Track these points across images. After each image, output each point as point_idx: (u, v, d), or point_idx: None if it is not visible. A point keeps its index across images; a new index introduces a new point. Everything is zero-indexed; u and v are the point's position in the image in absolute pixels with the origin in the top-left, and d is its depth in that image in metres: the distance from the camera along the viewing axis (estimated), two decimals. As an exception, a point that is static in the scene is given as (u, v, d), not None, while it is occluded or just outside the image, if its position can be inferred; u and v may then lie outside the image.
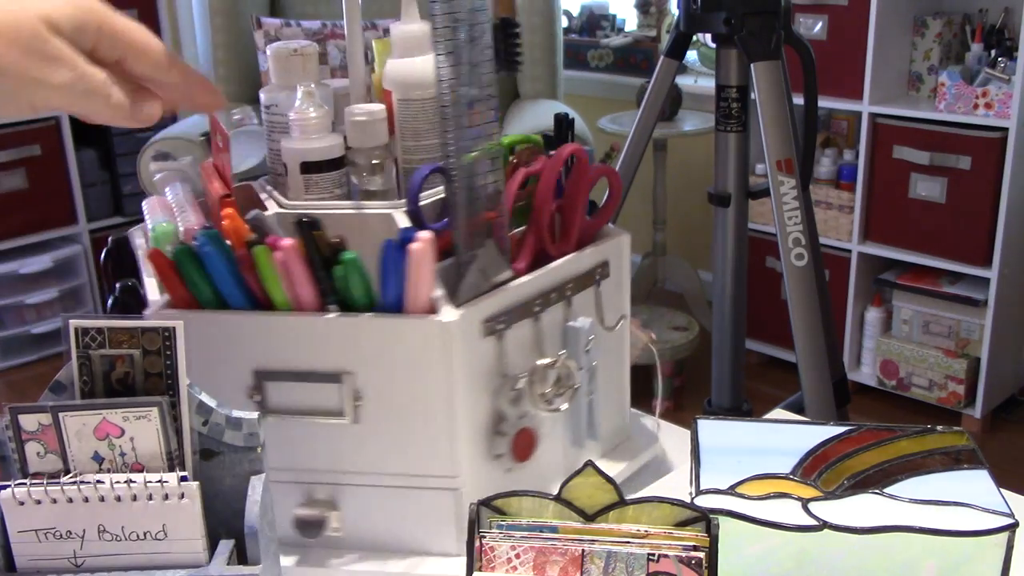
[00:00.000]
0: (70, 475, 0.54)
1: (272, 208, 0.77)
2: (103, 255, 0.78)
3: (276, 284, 0.67)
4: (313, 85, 0.78)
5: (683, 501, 0.56)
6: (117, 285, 0.73)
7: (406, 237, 0.66)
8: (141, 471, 0.55)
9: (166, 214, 0.77)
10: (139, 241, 0.80)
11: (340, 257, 0.66)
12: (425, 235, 0.65)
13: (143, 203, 0.80)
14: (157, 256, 0.66)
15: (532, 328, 0.74)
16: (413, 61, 0.78)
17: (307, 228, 0.65)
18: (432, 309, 0.68)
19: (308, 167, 0.76)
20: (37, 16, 0.49)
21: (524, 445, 0.74)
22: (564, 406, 0.75)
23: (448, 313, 0.67)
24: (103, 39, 0.53)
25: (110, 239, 0.78)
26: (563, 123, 0.85)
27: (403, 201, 0.76)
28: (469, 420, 0.70)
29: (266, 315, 0.68)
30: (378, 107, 0.79)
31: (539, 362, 0.74)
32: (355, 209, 0.76)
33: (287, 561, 0.72)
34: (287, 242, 0.65)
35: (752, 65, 1.48)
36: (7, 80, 0.49)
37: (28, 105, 0.51)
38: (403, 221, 0.74)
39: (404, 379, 0.69)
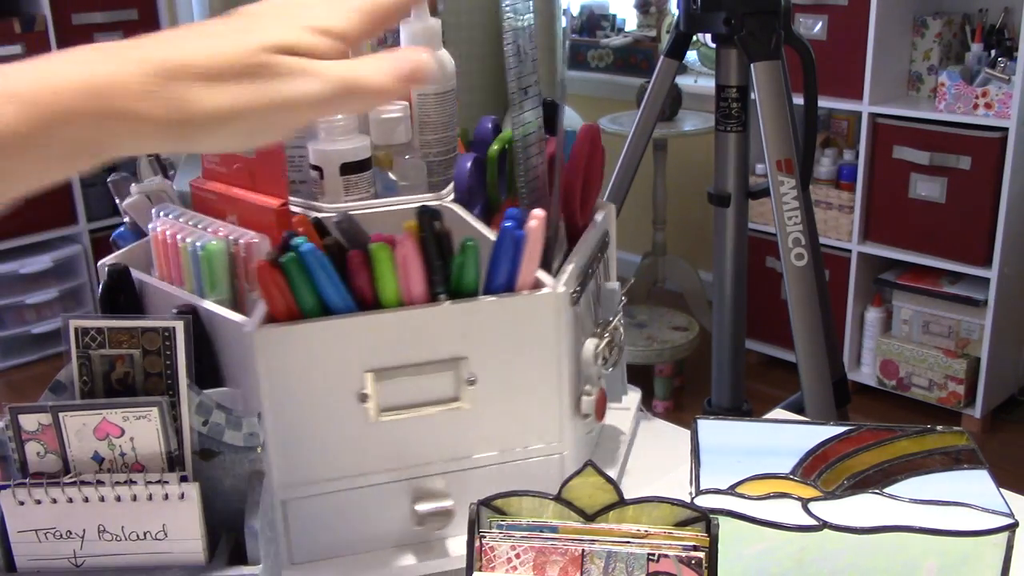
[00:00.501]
0: (70, 475, 0.54)
1: (309, 212, 0.77)
2: (101, 287, 0.75)
3: (391, 281, 0.66)
4: None
5: (683, 501, 0.56)
6: (174, 311, 0.69)
7: (518, 218, 0.68)
8: (141, 471, 0.55)
9: (207, 233, 0.75)
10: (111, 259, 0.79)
11: (463, 244, 0.67)
12: (539, 213, 0.68)
13: (150, 227, 0.76)
14: (266, 269, 0.64)
15: (586, 294, 0.79)
16: None
17: (429, 219, 0.66)
18: (536, 285, 0.70)
19: (347, 168, 0.76)
20: (258, 46, 0.47)
21: (601, 403, 0.79)
22: (616, 361, 0.81)
23: (558, 285, 0.70)
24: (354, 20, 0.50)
25: (107, 270, 0.75)
26: (553, 108, 0.88)
27: (447, 191, 0.78)
28: (568, 386, 0.73)
29: (378, 314, 0.67)
30: (404, 103, 0.80)
31: (598, 326, 0.79)
32: (435, 203, 0.77)
33: (407, 561, 0.72)
34: (406, 238, 0.65)
35: (752, 65, 1.48)
36: (250, 116, 0.47)
37: (291, 127, 0.49)
38: (459, 210, 0.77)
39: (516, 355, 0.71)
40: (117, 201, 0.80)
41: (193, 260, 0.71)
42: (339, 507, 0.71)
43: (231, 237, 0.72)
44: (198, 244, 0.71)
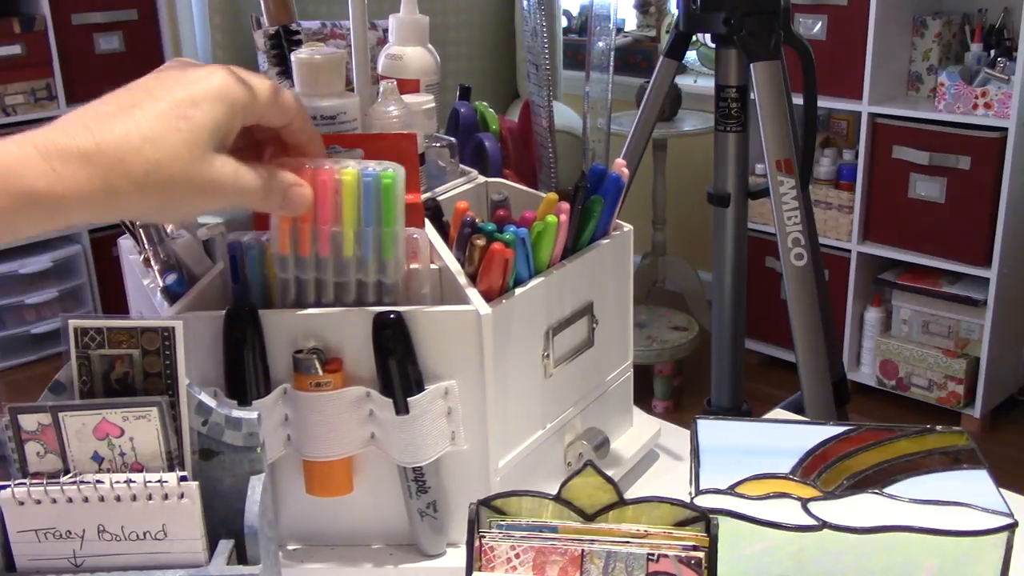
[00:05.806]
0: (70, 475, 0.54)
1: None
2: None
3: (550, 246, 0.74)
4: (394, 83, 0.78)
5: (683, 501, 0.56)
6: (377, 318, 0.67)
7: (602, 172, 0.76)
8: (141, 471, 0.55)
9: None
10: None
11: (592, 200, 0.77)
12: (622, 161, 0.78)
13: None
14: (502, 250, 0.68)
15: None
16: (406, 50, 0.84)
17: (581, 189, 0.75)
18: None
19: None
20: (188, 151, 0.53)
21: None
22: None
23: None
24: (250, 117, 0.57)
25: (227, 313, 0.65)
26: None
27: (472, 173, 0.85)
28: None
29: (555, 279, 0.75)
30: (431, 97, 0.81)
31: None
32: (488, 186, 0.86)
33: (407, 561, 0.72)
34: (562, 209, 0.72)
35: (752, 65, 1.48)
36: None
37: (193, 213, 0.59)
38: (515, 185, 0.84)
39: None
40: (150, 252, 0.68)
41: (365, 194, 0.63)
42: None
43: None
44: (369, 171, 0.63)
